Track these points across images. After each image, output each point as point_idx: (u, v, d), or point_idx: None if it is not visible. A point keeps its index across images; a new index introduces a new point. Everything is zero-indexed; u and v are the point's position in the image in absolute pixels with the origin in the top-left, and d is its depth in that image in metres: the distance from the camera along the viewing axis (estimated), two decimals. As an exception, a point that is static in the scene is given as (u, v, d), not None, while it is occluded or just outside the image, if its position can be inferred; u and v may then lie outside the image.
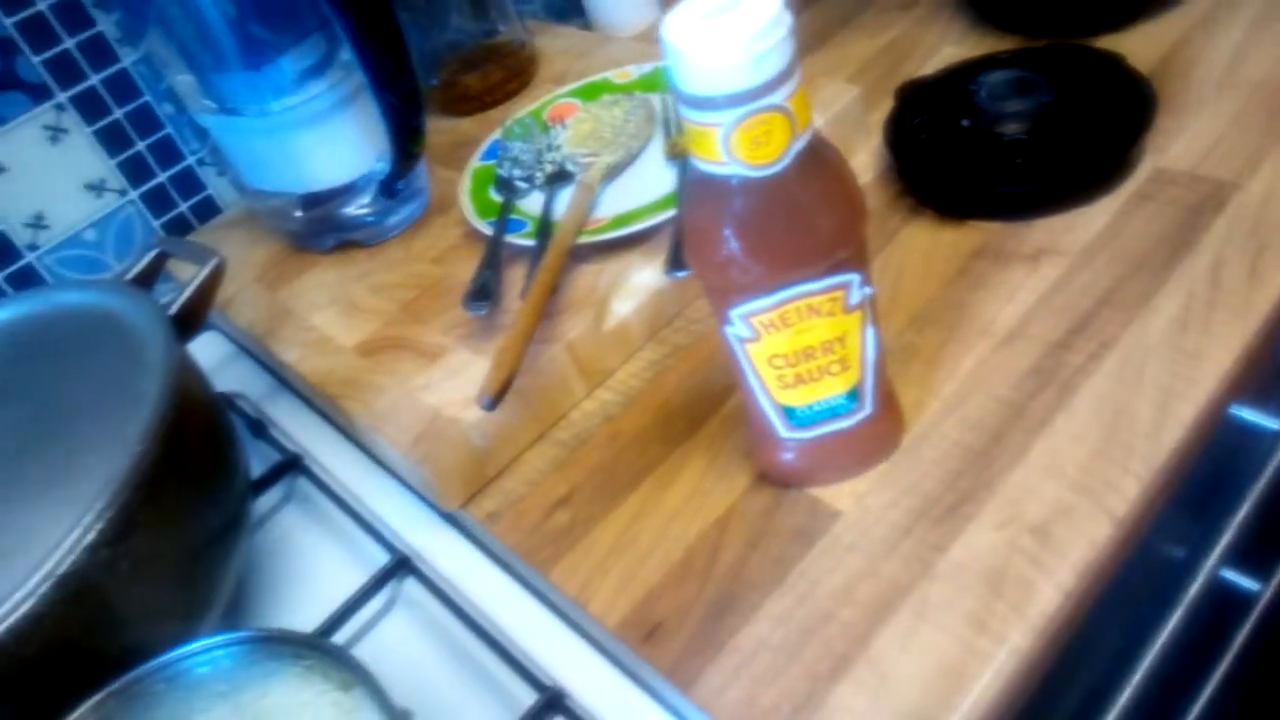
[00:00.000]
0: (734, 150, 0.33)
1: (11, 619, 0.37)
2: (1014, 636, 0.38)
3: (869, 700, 0.37)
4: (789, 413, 0.42)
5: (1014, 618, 0.39)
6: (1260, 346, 0.47)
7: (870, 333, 0.40)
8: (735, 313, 0.39)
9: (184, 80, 0.61)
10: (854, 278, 0.38)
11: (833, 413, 0.42)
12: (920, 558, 0.41)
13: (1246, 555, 0.68)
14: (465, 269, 0.60)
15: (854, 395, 0.42)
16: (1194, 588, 0.54)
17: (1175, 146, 0.57)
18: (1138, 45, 0.63)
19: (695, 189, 0.37)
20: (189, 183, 0.75)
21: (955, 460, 0.45)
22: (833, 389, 0.41)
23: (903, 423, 0.46)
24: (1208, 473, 0.59)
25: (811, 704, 0.38)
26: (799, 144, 0.34)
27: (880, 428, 0.44)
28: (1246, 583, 0.66)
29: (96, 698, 0.37)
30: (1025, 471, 0.43)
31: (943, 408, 0.47)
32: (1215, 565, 0.54)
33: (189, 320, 0.51)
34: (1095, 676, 0.52)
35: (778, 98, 0.33)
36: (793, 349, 0.39)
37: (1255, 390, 0.57)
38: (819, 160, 0.35)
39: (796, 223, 0.36)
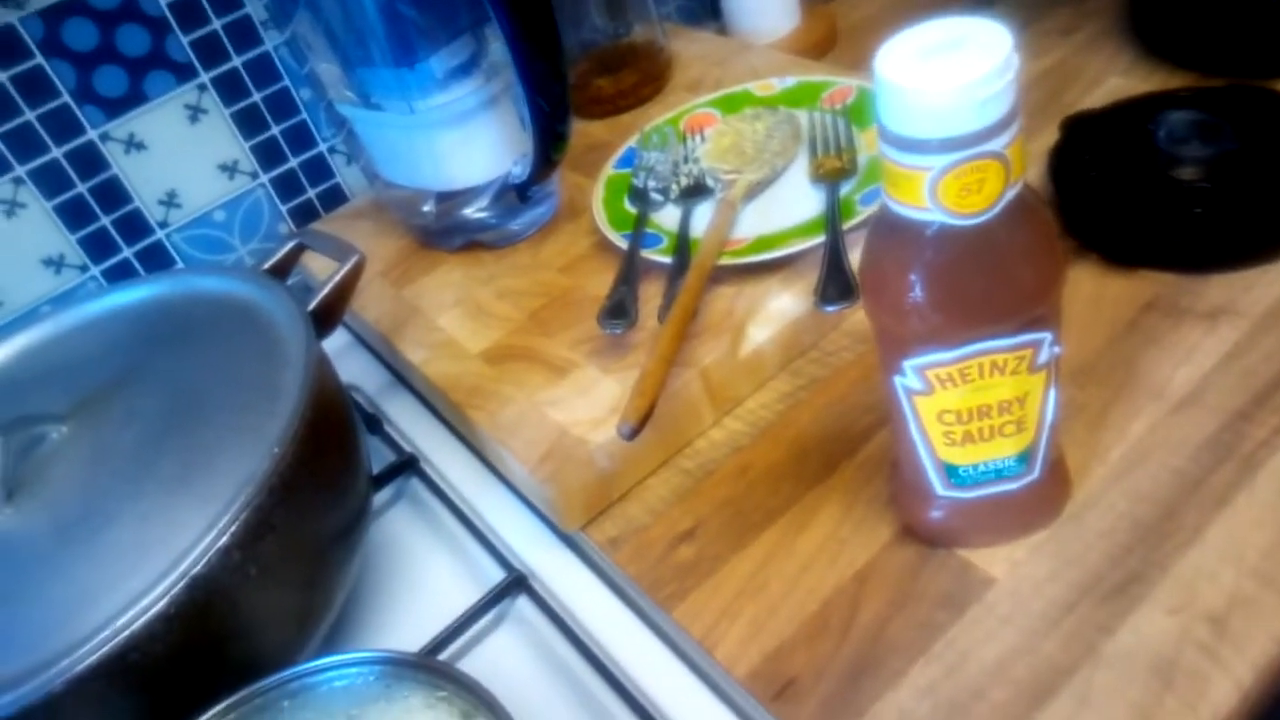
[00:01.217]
0: (940, 197, 0.31)
1: (145, 618, 0.37)
2: (1189, 738, 0.35)
3: (1028, 793, 0.35)
4: (950, 470, 0.40)
5: (1186, 714, 0.36)
6: None
7: (1052, 394, 0.37)
8: (910, 364, 0.36)
9: (327, 69, 0.61)
10: (1046, 336, 0.35)
11: (998, 474, 0.40)
12: (1084, 639, 0.38)
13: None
14: (595, 281, 0.59)
15: (1024, 458, 0.39)
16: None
17: (1371, 205, 0.52)
18: (1329, 91, 0.59)
19: (883, 230, 0.35)
20: (319, 170, 0.75)
21: (1123, 534, 0.41)
22: (1003, 450, 0.38)
23: (1069, 489, 0.43)
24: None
25: (963, 789, 0.36)
26: (1011, 193, 0.32)
27: (1045, 493, 0.42)
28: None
29: (219, 706, 0.36)
30: (1201, 553, 0.40)
31: (1109, 474, 0.44)
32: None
33: (326, 317, 0.51)
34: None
35: (997, 145, 0.30)
36: (967, 406, 0.37)
37: None
38: (1025, 210, 0.33)
39: (995, 276, 0.33)
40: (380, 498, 0.58)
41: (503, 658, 0.49)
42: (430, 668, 0.36)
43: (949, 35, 0.31)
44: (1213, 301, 0.50)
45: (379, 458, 0.59)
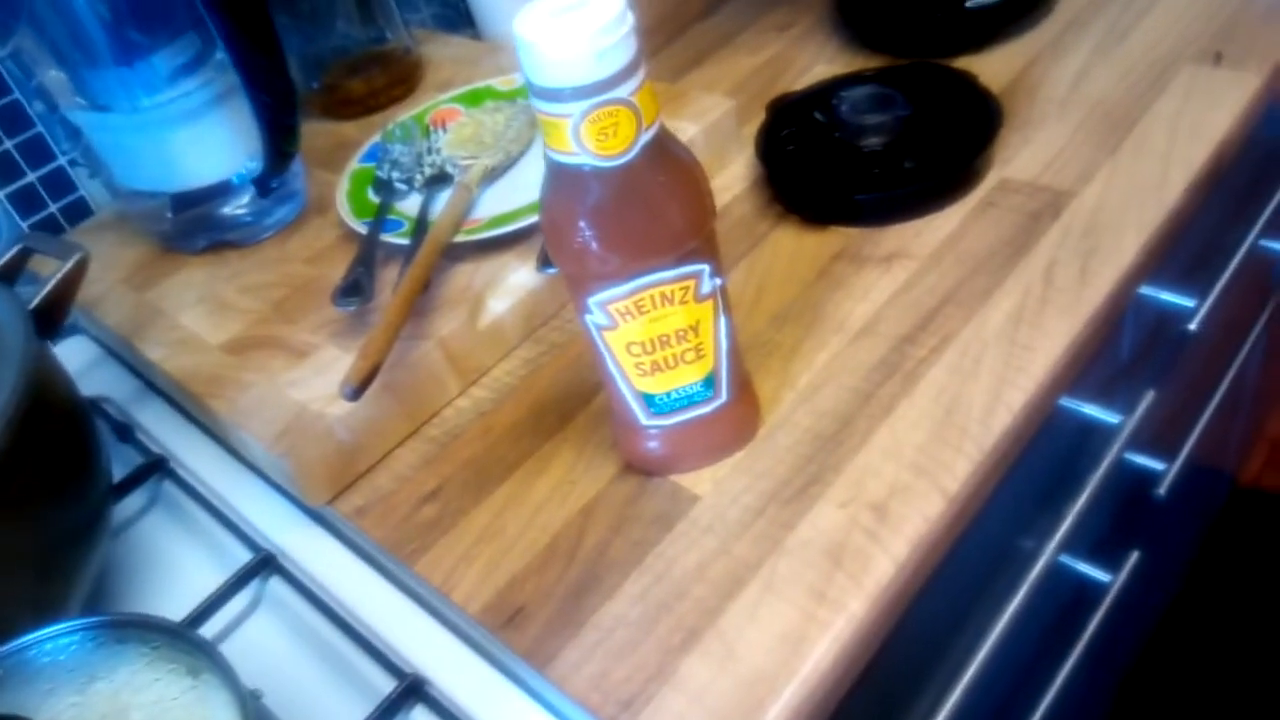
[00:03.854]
0: (584, 141, 0.35)
1: None
2: (851, 605, 0.40)
3: (715, 668, 0.39)
4: (648, 400, 0.44)
5: (852, 587, 0.41)
6: (1089, 340, 0.51)
7: (723, 322, 0.42)
8: (593, 300, 0.40)
9: (55, 77, 0.60)
10: (704, 268, 0.40)
11: (690, 400, 0.44)
12: (770, 536, 0.43)
13: (1100, 550, 0.72)
14: (339, 269, 0.60)
15: (710, 383, 0.44)
16: (1036, 569, 0.57)
17: (1019, 158, 0.61)
18: (992, 66, 0.68)
19: (552, 180, 0.39)
20: (60, 184, 0.73)
21: (806, 446, 0.47)
22: (689, 376, 0.43)
23: (759, 411, 0.48)
24: (1057, 468, 0.63)
25: (662, 675, 0.39)
26: (646, 137, 0.36)
27: (737, 415, 0.46)
28: (1100, 575, 0.70)
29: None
30: (868, 454, 0.46)
31: (797, 398, 0.49)
32: (1057, 549, 0.58)
33: (50, 315, 0.50)
34: (951, 665, 0.55)
35: (623, 92, 0.34)
36: (648, 336, 0.41)
37: (1097, 387, 0.62)
38: (668, 155, 0.37)
39: (647, 213, 0.37)
40: (134, 502, 0.58)
41: (260, 639, 0.49)
42: (137, 623, 0.36)
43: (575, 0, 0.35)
44: (889, 248, 0.57)
45: (132, 465, 0.58)
